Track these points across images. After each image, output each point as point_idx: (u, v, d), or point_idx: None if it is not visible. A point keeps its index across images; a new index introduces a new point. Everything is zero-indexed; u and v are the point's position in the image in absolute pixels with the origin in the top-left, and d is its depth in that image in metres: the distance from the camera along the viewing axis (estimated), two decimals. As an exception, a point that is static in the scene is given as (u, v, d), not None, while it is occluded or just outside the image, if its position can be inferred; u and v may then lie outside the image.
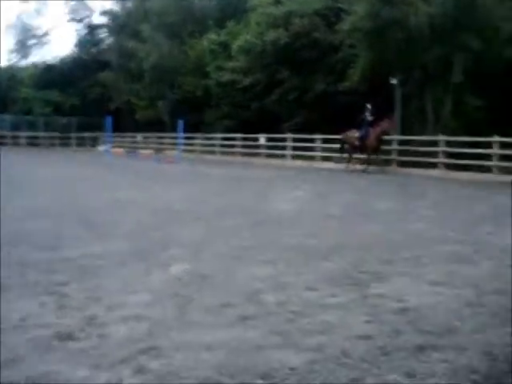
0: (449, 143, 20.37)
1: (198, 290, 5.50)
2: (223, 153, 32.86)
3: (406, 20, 21.67)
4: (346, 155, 23.05)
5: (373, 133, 21.34)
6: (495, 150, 19.00)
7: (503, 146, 18.99)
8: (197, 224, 9.39)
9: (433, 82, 22.44)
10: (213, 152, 33.61)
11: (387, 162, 22.32)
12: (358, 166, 22.54)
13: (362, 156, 22.77)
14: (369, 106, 22.05)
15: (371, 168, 21.66)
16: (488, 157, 19.26)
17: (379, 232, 8.70)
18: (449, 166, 20.21)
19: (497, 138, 18.96)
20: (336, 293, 5.41)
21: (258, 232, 8.70)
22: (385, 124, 21.16)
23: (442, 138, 20.51)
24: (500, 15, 22.16)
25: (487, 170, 19.25)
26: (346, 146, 22.85)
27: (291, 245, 7.70)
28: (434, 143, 20.92)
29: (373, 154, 21.71)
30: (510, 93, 20.42)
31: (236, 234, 8.50)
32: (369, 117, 21.85)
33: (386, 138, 22.17)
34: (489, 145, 19.37)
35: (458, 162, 19.91)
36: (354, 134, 22.02)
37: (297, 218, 10.26)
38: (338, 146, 23.55)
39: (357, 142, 21.86)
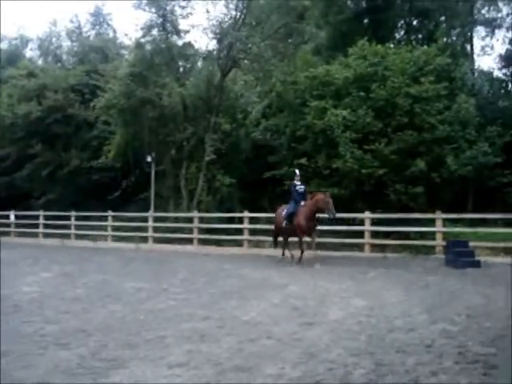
0: (202, 219, 20.87)
1: None
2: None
3: (160, 100, 22.27)
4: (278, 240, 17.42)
5: (304, 208, 15.59)
6: (246, 225, 19.86)
7: (253, 221, 19.99)
8: None
9: (187, 160, 23.09)
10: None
11: (144, 239, 22.11)
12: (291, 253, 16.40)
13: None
14: (297, 171, 16.80)
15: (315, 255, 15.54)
16: (239, 231, 20.05)
17: (125, 313, 8.32)
18: (203, 241, 20.63)
19: (247, 214, 19.87)
20: (68, 386, 4.97)
21: (-11, 321, 7.79)
22: (320, 196, 15.24)
23: (196, 214, 20.97)
24: (248, 100, 23.95)
25: (238, 244, 19.99)
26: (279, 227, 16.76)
27: (27, 333, 7.05)
28: (189, 219, 21.30)
29: (304, 236, 15.56)
30: (256, 171, 21.81)
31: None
32: (300, 187, 16.29)
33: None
34: (241, 220, 20.22)
35: (211, 237, 20.42)
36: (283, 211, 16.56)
37: (39, 302, 9.46)
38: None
39: (284, 223, 16.17)
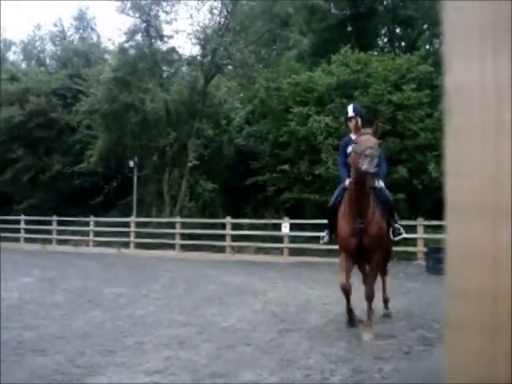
0: (185, 225, 20.83)
1: None
2: None
3: (143, 105, 22.23)
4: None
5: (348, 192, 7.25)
6: (228, 231, 19.85)
7: (235, 226, 19.98)
8: None
9: (170, 166, 23.06)
10: None
11: (126, 244, 21.98)
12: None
13: None
14: (350, 108, 8.00)
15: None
16: (222, 237, 20.03)
17: (105, 319, 8.27)
18: (185, 247, 20.56)
19: (229, 220, 19.87)
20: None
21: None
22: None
23: (178, 219, 20.92)
24: (231, 106, 24.04)
25: (221, 249, 19.94)
26: None
27: (4, 340, 6.92)
28: (171, 225, 21.24)
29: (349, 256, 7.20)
30: (239, 177, 21.83)
31: None
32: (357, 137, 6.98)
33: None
34: (223, 226, 20.20)
35: (193, 243, 20.37)
36: None
37: (18, 308, 9.37)
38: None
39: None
